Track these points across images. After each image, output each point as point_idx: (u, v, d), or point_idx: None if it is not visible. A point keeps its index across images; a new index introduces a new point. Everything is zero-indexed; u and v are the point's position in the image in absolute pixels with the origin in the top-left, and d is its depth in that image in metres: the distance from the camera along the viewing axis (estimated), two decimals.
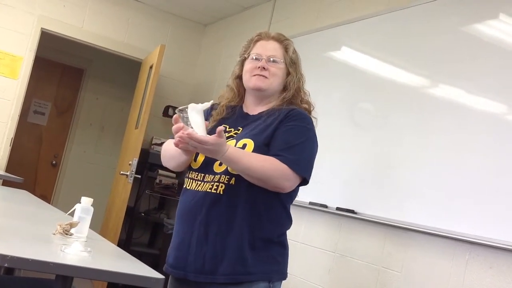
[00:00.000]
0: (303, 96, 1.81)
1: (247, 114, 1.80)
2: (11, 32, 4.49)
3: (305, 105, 1.80)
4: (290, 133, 1.66)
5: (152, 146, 4.89)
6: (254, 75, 1.75)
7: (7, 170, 4.45)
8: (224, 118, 1.79)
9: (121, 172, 4.39)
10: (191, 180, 1.69)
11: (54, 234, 1.60)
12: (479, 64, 2.35)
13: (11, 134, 4.51)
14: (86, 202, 1.74)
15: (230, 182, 1.61)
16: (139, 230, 5.03)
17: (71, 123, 6.17)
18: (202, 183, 1.65)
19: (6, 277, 2.17)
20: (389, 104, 2.78)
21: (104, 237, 1.95)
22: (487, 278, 2.10)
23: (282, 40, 1.81)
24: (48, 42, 4.96)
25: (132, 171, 4.22)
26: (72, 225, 1.62)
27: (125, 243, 4.56)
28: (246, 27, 4.53)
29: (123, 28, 4.99)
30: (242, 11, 4.69)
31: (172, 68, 5.11)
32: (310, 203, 3.05)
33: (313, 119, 1.78)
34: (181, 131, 1.51)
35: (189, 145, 1.52)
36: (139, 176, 4.40)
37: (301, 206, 3.09)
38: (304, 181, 1.67)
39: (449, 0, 2.58)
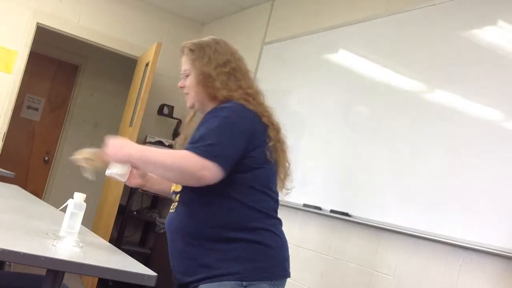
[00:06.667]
0: (216, 79, 1.66)
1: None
2: (6, 26, 4.45)
3: (224, 92, 1.65)
4: (200, 129, 1.59)
5: (146, 145, 4.86)
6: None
7: None
8: None
9: None
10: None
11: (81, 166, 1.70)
12: (476, 70, 2.35)
13: (4, 129, 4.48)
14: (79, 197, 1.72)
15: (176, 199, 1.67)
16: (130, 228, 5.00)
17: (64, 120, 6.13)
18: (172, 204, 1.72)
19: None
20: (385, 108, 2.77)
21: None
22: (480, 284, 2.10)
23: (183, 49, 1.76)
24: (44, 37, 4.93)
25: None
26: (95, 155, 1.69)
27: (116, 242, 4.52)
28: (244, 27, 4.52)
29: (120, 24, 4.96)
30: (240, 10, 4.67)
31: (168, 66, 5.07)
32: (304, 205, 3.04)
33: (240, 103, 1.63)
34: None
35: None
36: None
37: (295, 208, 3.08)
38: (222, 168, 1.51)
39: (447, 5, 2.59)
